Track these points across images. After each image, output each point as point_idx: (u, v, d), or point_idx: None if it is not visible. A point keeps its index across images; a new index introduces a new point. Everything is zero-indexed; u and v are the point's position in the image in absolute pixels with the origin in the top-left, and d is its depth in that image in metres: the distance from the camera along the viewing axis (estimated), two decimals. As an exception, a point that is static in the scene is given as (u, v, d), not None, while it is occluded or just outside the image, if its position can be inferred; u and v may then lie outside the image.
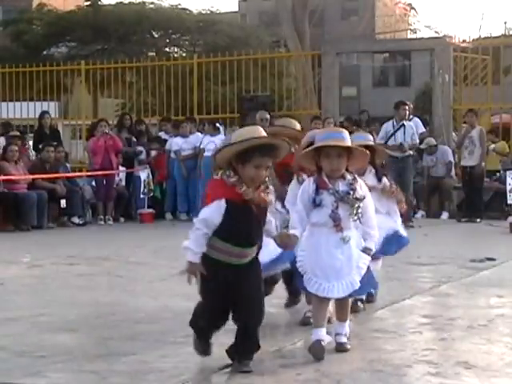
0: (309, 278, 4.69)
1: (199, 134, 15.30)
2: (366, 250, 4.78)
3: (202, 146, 14.78)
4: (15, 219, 13.30)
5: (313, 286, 4.69)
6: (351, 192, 4.64)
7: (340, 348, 4.82)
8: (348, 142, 4.70)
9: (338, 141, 4.66)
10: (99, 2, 35.90)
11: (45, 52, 33.81)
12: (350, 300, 5.00)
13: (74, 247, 10.81)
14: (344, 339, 4.85)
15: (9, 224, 13.26)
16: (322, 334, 4.69)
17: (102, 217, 14.69)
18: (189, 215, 14.50)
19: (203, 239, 4.27)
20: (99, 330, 5.62)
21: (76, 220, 14.19)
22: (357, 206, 4.64)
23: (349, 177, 4.71)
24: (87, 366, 4.61)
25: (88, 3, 35.84)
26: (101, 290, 7.28)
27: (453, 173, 15.90)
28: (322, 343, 4.66)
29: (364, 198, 4.69)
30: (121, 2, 36.28)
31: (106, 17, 33.48)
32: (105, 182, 14.94)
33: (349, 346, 4.84)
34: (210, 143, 14.55)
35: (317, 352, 4.62)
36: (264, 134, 4.38)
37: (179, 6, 36.00)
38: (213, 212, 4.24)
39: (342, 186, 4.66)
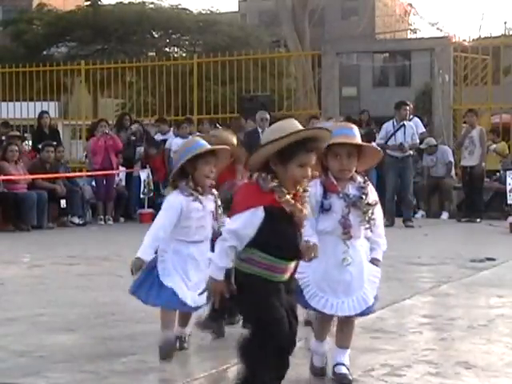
0: (313, 292, 4.14)
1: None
2: (374, 262, 4.26)
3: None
4: (15, 219, 13.30)
5: (318, 302, 4.14)
6: (363, 196, 4.14)
7: (342, 381, 4.22)
8: (359, 139, 4.22)
9: (348, 138, 4.14)
10: (99, 2, 35.94)
11: (45, 52, 33.84)
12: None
13: (74, 247, 10.80)
14: (345, 370, 4.24)
15: (9, 224, 13.26)
16: (324, 350, 4.34)
17: (102, 217, 14.69)
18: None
19: (231, 252, 3.69)
20: (99, 329, 5.61)
21: (76, 220, 14.19)
22: (370, 212, 4.14)
23: (359, 179, 4.20)
24: (87, 366, 4.61)
25: (88, 3, 35.87)
26: (101, 290, 7.27)
27: (453, 173, 15.90)
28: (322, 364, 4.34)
29: (376, 203, 4.20)
30: (121, 2, 36.29)
31: (105, 17, 33.51)
32: (105, 182, 14.94)
33: (351, 377, 4.24)
34: (210, 143, 14.54)
35: (316, 373, 4.36)
36: (301, 127, 3.77)
37: (179, 6, 36.05)
38: (247, 222, 3.65)
39: (352, 190, 4.15)
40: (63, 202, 14.04)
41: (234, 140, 5.32)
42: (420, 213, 15.39)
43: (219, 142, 5.02)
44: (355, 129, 4.23)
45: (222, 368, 4.50)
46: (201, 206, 4.71)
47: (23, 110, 19.51)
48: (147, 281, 4.72)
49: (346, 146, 4.11)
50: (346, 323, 4.25)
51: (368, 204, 4.13)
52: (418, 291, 7.04)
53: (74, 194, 14.32)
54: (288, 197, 3.64)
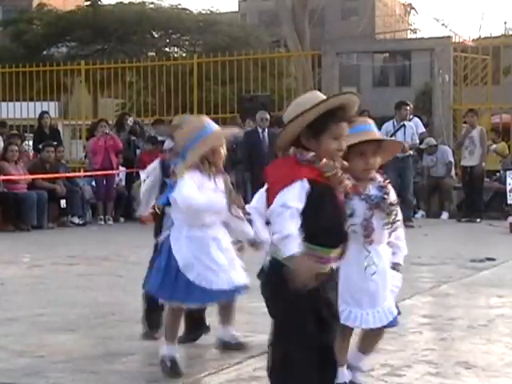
0: None
1: None
2: (395, 267, 3.95)
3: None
4: (15, 219, 13.29)
5: (341, 314, 3.67)
6: (386, 196, 3.81)
7: None
8: (378, 134, 3.98)
9: (371, 134, 3.86)
10: (99, 2, 35.96)
11: (45, 52, 33.86)
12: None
13: (73, 247, 10.80)
14: (360, 380, 4.00)
15: (9, 224, 13.25)
16: (344, 374, 3.89)
17: (102, 217, 14.69)
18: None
19: (296, 217, 3.18)
20: (99, 330, 5.61)
21: (76, 220, 14.19)
22: (394, 213, 3.82)
23: (379, 178, 3.88)
24: (87, 366, 4.61)
25: (88, 3, 35.90)
26: (101, 290, 7.27)
27: (453, 173, 15.90)
28: None
29: (398, 203, 3.88)
30: (121, 2, 36.30)
31: (105, 17, 33.53)
32: (105, 182, 14.94)
33: None
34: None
35: None
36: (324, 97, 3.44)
37: (179, 6, 36.07)
38: (295, 195, 3.20)
39: (373, 190, 3.81)
40: (63, 202, 14.04)
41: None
42: (420, 213, 15.38)
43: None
44: (373, 123, 3.97)
45: (222, 368, 4.50)
46: (214, 186, 4.47)
47: (23, 110, 19.51)
48: (167, 277, 4.40)
49: (373, 143, 3.82)
50: (373, 334, 3.93)
51: (391, 204, 3.82)
52: (418, 291, 7.04)
53: (74, 193, 14.32)
54: (327, 162, 3.30)
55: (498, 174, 15.66)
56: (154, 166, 5.20)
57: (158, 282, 4.44)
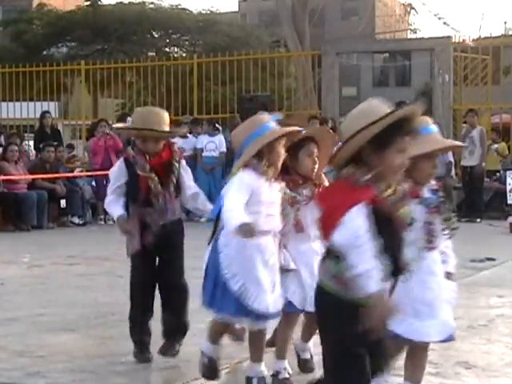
0: None
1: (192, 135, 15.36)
2: (449, 276, 3.69)
3: (200, 146, 14.83)
4: (15, 219, 13.29)
5: (399, 326, 3.42)
6: (443, 200, 3.68)
7: None
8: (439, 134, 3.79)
9: (437, 138, 3.71)
10: (99, 2, 35.95)
11: (45, 52, 33.85)
12: None
13: (73, 247, 10.80)
14: None
15: (9, 224, 13.25)
16: None
17: (102, 217, 14.67)
18: (188, 215, 14.49)
19: (373, 247, 2.95)
20: (99, 329, 5.61)
21: (76, 220, 14.19)
22: (453, 218, 3.63)
23: (432, 181, 3.74)
24: (87, 366, 4.61)
25: (88, 3, 35.88)
26: (101, 290, 7.28)
27: (453, 173, 15.88)
28: None
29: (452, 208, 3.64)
30: (121, 2, 36.30)
31: (105, 17, 33.51)
32: (105, 182, 14.93)
33: None
34: (210, 143, 14.56)
35: None
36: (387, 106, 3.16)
37: (179, 6, 36.06)
38: (361, 220, 2.95)
39: (427, 193, 3.68)
40: (63, 202, 14.04)
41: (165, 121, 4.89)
42: (420, 213, 15.36)
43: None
44: (433, 123, 3.78)
45: (222, 368, 4.50)
46: (271, 191, 4.07)
47: (23, 110, 19.51)
48: (218, 288, 4.07)
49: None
50: (419, 352, 3.68)
51: (449, 209, 3.62)
52: (418, 291, 7.03)
53: (74, 193, 14.32)
54: (390, 190, 3.05)
55: (498, 173, 15.66)
56: (119, 168, 4.93)
57: (209, 293, 4.11)
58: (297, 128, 4.22)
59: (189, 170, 4.97)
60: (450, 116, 17.46)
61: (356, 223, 2.93)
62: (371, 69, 42.33)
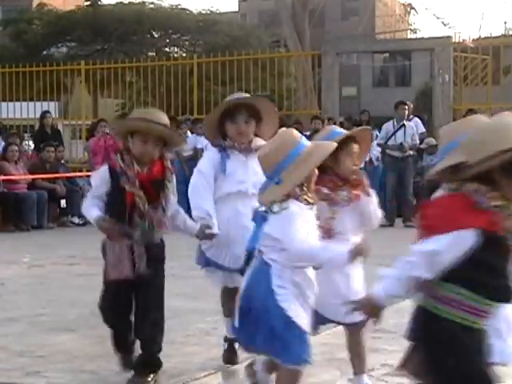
0: None
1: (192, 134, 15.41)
2: None
3: (200, 146, 14.83)
4: (15, 219, 13.29)
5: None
6: None
7: None
8: None
9: None
10: (99, 2, 35.99)
11: (45, 52, 33.89)
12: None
13: (73, 247, 10.80)
14: None
15: (9, 224, 13.25)
16: None
17: (102, 217, 14.67)
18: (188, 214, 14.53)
19: (412, 283, 2.95)
20: (99, 329, 5.60)
21: (76, 220, 14.18)
22: None
23: None
24: (87, 365, 4.61)
25: (88, 3, 35.93)
26: (101, 290, 7.27)
27: (453, 173, 15.90)
28: None
29: None
30: (121, 2, 36.34)
31: (105, 17, 33.55)
32: (105, 182, 14.95)
33: None
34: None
35: None
36: None
37: (179, 6, 36.10)
38: (451, 246, 2.78)
39: None
40: (63, 202, 14.04)
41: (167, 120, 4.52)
42: (420, 213, 15.39)
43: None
44: None
45: (221, 368, 4.50)
46: (314, 219, 3.62)
47: (23, 110, 19.50)
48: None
49: None
50: None
51: None
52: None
53: (74, 194, 14.32)
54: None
55: None
56: (102, 177, 4.46)
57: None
58: (334, 144, 3.73)
59: (174, 182, 4.48)
60: (449, 116, 17.46)
61: (437, 244, 2.81)
62: (371, 69, 42.32)
